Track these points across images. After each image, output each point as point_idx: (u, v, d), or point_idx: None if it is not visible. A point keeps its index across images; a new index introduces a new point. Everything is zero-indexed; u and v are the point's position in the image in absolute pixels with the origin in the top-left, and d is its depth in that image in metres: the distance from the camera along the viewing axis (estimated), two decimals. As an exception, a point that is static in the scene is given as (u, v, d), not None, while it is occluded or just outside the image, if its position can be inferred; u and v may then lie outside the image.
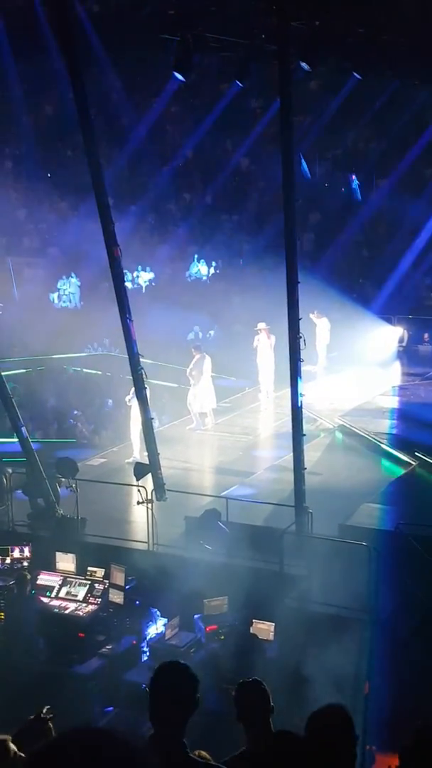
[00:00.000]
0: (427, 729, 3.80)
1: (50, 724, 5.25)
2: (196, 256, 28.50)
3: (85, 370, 22.32)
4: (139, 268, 27.56)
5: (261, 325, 20.59)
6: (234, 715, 5.19)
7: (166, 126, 30.59)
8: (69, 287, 27.10)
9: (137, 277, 27.67)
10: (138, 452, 15.91)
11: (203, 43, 14.53)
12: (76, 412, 19.62)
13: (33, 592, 11.95)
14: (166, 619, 11.38)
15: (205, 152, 29.48)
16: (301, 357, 11.86)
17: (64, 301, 27.16)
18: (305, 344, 11.86)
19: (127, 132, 28.73)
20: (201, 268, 28.64)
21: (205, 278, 28.57)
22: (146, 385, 13.06)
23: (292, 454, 12.35)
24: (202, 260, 28.59)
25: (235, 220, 29.50)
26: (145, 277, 28.01)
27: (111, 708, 10.10)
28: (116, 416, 18.80)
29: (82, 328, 22.86)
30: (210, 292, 26.37)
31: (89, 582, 12.20)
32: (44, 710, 5.34)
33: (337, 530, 12.26)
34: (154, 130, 29.24)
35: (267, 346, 20.25)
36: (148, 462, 13.36)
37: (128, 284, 12.76)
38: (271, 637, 10.84)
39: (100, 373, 21.84)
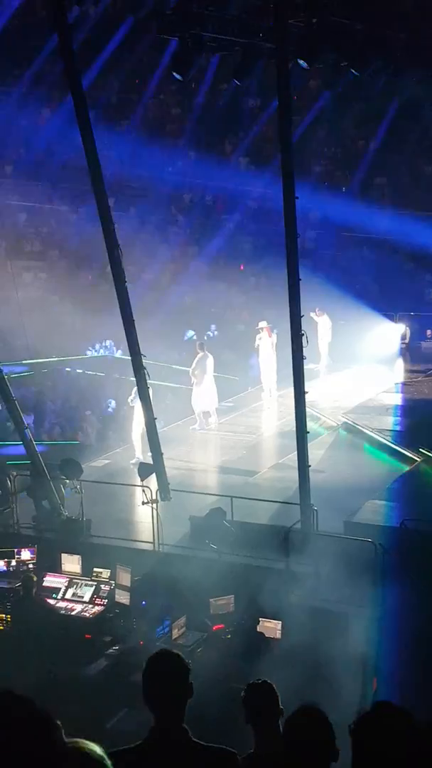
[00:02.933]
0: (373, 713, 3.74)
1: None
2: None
3: (87, 371, 22.33)
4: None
5: (262, 324, 20.59)
6: (242, 717, 5.15)
7: (165, 122, 30.60)
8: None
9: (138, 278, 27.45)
10: (140, 453, 15.91)
11: (201, 42, 14.50)
12: (87, 413, 19.65)
13: (40, 594, 11.93)
14: (171, 620, 11.36)
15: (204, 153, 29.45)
16: (304, 355, 11.84)
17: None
18: (308, 342, 11.84)
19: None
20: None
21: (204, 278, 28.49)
22: (149, 386, 13.04)
23: (296, 452, 12.33)
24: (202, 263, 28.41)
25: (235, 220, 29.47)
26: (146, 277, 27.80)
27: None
28: (118, 417, 18.81)
29: (85, 329, 22.87)
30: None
31: (95, 583, 12.17)
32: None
33: (343, 527, 12.27)
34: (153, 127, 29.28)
35: (269, 344, 20.24)
36: (152, 462, 13.35)
37: (128, 285, 12.69)
38: (278, 635, 10.81)
39: (102, 374, 21.86)
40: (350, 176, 29.33)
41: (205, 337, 23.31)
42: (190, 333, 24.81)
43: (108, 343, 23.55)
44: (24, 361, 21.34)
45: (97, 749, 2.88)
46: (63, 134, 23.65)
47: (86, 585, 12.21)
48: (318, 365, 22.53)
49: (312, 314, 21.19)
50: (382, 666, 10.25)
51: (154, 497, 13.01)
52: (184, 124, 30.48)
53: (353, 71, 15.14)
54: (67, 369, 22.40)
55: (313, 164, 29.40)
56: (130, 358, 13.02)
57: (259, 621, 10.84)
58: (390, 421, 18.06)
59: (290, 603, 11.00)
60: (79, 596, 12.13)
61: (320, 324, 22.45)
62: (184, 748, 3.96)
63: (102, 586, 12.12)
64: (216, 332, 25.26)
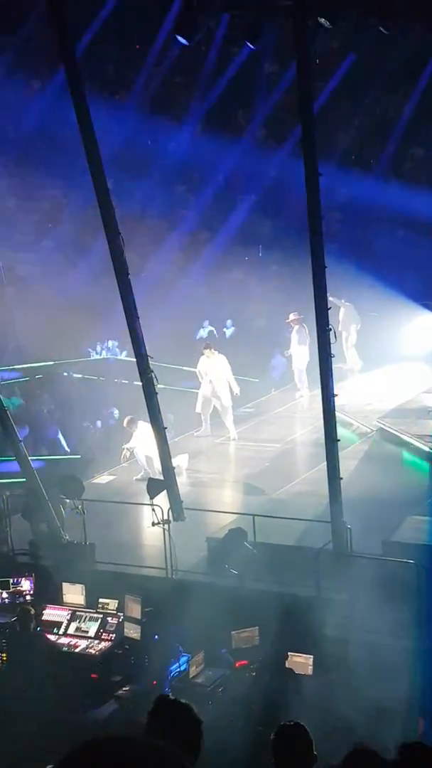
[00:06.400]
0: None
1: None
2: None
3: (88, 376, 22.36)
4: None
5: (292, 316, 20.64)
6: (270, 764, 5.10)
7: (170, 93, 30.62)
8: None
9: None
10: (147, 466, 15.97)
11: (208, 1, 14.51)
12: (86, 424, 19.67)
13: (39, 629, 11.95)
14: (189, 655, 11.35)
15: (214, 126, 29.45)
16: (332, 352, 11.81)
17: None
18: (335, 338, 11.80)
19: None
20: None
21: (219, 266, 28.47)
22: (157, 391, 13.04)
23: (325, 463, 12.30)
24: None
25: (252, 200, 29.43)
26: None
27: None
28: (123, 428, 18.79)
29: (84, 328, 22.91)
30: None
31: (101, 615, 12.23)
32: None
33: (381, 547, 12.23)
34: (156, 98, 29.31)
35: (300, 339, 20.35)
36: (162, 477, 13.35)
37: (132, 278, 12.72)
38: (309, 671, 10.81)
39: (104, 379, 21.90)
40: (381, 149, 29.24)
41: (215, 334, 23.37)
42: (208, 329, 24.80)
43: (111, 343, 23.56)
44: (16, 366, 21.40)
45: None
46: (55, 109, 23.70)
47: (91, 618, 12.25)
48: (346, 364, 22.47)
49: (332, 298, 21.12)
50: (429, 704, 10.20)
51: (165, 517, 13.02)
52: (192, 95, 30.48)
53: (381, 29, 15.08)
54: (65, 373, 22.45)
55: (339, 136, 29.33)
56: (135, 360, 13.03)
57: (287, 656, 10.83)
58: (432, 426, 18.03)
59: (323, 635, 10.97)
60: (84, 631, 12.17)
61: (346, 315, 22.40)
62: None
63: (109, 619, 12.16)
64: (233, 328, 25.27)
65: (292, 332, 20.78)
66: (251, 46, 17.47)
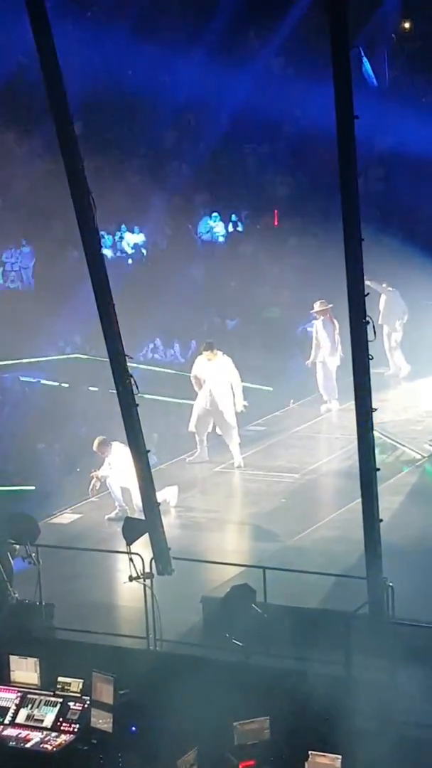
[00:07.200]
0: None
1: None
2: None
3: (47, 381, 22.39)
4: (123, 228, 27.57)
5: (318, 306, 20.68)
6: None
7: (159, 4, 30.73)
8: (19, 260, 27.12)
9: (120, 240, 27.73)
10: (123, 501, 15.97)
11: None
12: (41, 446, 19.67)
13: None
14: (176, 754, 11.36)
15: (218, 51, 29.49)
16: (370, 354, 11.81)
17: (13, 281, 27.21)
18: (374, 334, 11.79)
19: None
20: (216, 227, 28.67)
21: (221, 240, 28.60)
22: (138, 402, 13.05)
23: (359, 499, 12.30)
24: (216, 215, 28.58)
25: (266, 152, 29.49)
26: (132, 240, 28.06)
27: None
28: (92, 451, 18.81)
29: (40, 319, 22.93)
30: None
31: (61, 700, 12.17)
32: None
33: (432, 612, 12.25)
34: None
35: (328, 335, 20.39)
36: (143, 516, 13.36)
37: (107, 251, 12.76)
38: (336, 776, 10.81)
39: (67, 385, 21.92)
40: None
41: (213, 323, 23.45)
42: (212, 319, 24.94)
43: (77, 339, 23.61)
44: None
45: None
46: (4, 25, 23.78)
47: (47, 703, 12.21)
48: (389, 369, 22.48)
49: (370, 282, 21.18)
50: None
51: (147, 570, 13.00)
52: (187, 11, 30.57)
53: None
54: (16, 377, 22.49)
55: (381, 64, 29.45)
56: (108, 360, 13.03)
57: (308, 755, 10.83)
58: None
59: (355, 727, 10.97)
60: (37, 720, 12.12)
61: (389, 304, 22.42)
62: None
63: (71, 704, 12.10)
64: (237, 320, 25.34)
65: (316, 326, 20.76)
66: None
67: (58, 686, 12.31)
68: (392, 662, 11.61)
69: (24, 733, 12.02)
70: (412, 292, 22.97)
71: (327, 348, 20.64)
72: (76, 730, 11.92)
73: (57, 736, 11.91)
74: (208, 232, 28.82)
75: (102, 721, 11.77)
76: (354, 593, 12.25)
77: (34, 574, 13.59)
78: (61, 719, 12.05)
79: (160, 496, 14.27)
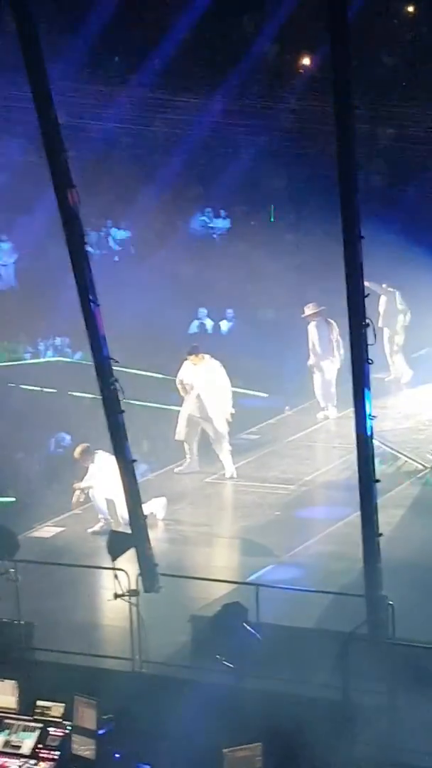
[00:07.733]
0: None
1: None
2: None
3: (26, 386, 22.35)
4: (110, 224, 27.57)
5: (310, 309, 20.66)
6: None
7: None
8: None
9: (108, 237, 27.72)
10: (108, 513, 15.93)
11: None
12: (20, 455, 19.64)
13: None
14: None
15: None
16: (370, 358, 11.81)
17: None
18: (374, 337, 11.79)
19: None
20: (209, 223, 28.71)
21: (215, 236, 28.61)
22: (124, 408, 13.03)
23: (359, 513, 12.30)
24: (208, 210, 28.61)
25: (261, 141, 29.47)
26: (119, 236, 28.06)
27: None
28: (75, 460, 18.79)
29: (19, 319, 22.91)
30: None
31: (40, 725, 12.11)
32: None
33: (435, 632, 12.21)
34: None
35: (322, 339, 20.35)
36: (128, 530, 13.34)
37: (89, 249, 12.74)
38: (334, 809, 10.79)
39: (50, 390, 21.89)
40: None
41: (206, 329, 23.40)
42: (202, 313, 24.88)
43: (59, 341, 23.60)
44: None
45: None
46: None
47: (26, 728, 12.19)
48: (390, 374, 22.47)
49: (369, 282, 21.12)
50: None
51: (133, 587, 12.95)
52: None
53: None
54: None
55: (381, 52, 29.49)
56: (92, 364, 13.01)
57: (303, 786, 10.81)
58: None
59: (353, 756, 10.94)
60: (15, 746, 12.08)
61: (389, 305, 22.42)
62: None
63: (51, 729, 12.06)
64: (233, 321, 25.34)
65: (310, 329, 20.70)
66: None
67: (38, 710, 12.26)
68: (392, 685, 11.58)
69: (1, 760, 11.97)
70: (413, 294, 22.99)
71: (323, 352, 20.57)
72: (56, 757, 11.90)
73: (36, 764, 11.90)
74: (201, 227, 28.88)
75: (84, 748, 11.76)
76: (352, 612, 12.21)
77: (13, 590, 13.52)
78: (40, 745, 12.03)
79: (147, 508, 14.24)
